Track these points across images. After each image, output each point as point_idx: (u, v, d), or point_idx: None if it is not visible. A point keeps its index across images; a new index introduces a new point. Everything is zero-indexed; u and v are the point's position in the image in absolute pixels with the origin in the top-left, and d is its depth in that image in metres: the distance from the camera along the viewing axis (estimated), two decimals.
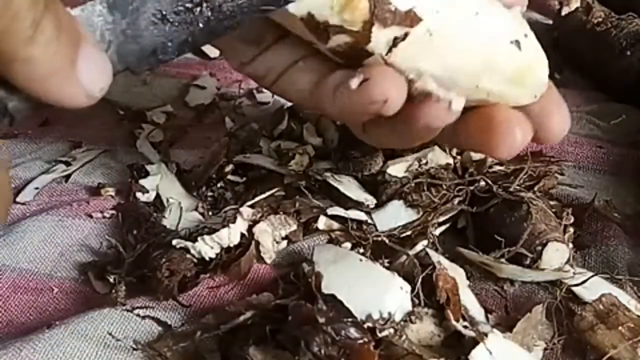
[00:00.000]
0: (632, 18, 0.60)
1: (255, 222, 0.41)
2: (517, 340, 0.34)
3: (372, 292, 0.33)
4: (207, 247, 0.38)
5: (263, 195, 0.43)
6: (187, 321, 0.36)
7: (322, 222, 0.42)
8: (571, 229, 0.41)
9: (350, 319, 0.30)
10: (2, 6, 0.22)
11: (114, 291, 0.37)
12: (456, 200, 0.42)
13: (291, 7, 0.30)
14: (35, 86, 0.24)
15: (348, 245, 0.41)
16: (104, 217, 0.44)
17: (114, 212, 0.44)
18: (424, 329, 0.34)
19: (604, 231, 0.42)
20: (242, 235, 0.40)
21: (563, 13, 0.65)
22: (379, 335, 0.32)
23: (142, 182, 0.45)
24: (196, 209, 0.44)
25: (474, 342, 0.32)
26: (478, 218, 0.42)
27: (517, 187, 0.41)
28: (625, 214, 0.44)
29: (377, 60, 0.31)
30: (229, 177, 0.46)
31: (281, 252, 0.41)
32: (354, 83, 0.31)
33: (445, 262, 0.37)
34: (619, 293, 0.36)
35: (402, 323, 0.33)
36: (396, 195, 0.42)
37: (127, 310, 0.35)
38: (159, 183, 0.45)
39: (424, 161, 0.43)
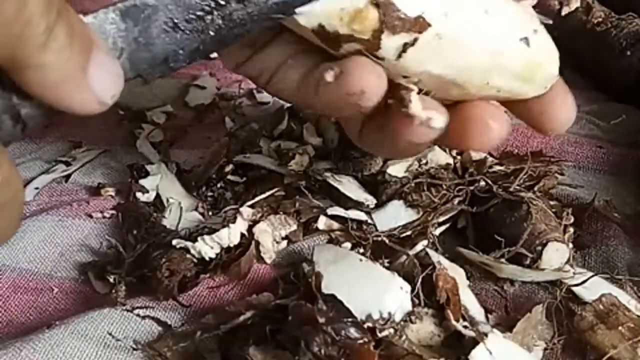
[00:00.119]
0: (632, 18, 0.60)
1: (255, 222, 0.41)
2: (517, 340, 0.34)
3: (372, 292, 0.33)
4: (207, 247, 0.38)
5: (263, 195, 0.43)
6: (187, 321, 0.36)
7: (322, 222, 0.42)
8: (571, 229, 0.41)
9: (350, 319, 0.30)
10: (15, 12, 0.22)
11: (114, 291, 0.37)
12: (456, 200, 0.42)
13: (302, 19, 0.30)
14: (48, 93, 0.24)
15: (348, 245, 0.41)
16: (104, 217, 0.44)
17: (114, 212, 0.44)
18: (424, 329, 0.34)
19: (604, 231, 0.42)
20: (242, 235, 0.40)
21: (563, 13, 0.65)
22: (379, 335, 0.32)
23: (142, 182, 0.45)
24: (196, 209, 0.44)
25: (474, 342, 0.32)
26: (478, 218, 0.42)
27: (517, 187, 0.41)
28: (625, 214, 0.44)
29: (388, 64, 0.32)
30: (229, 177, 0.46)
31: (281, 252, 0.41)
32: (330, 76, 0.31)
33: (445, 262, 0.37)
34: (619, 293, 0.36)
35: (402, 323, 0.33)
36: (396, 195, 0.42)
37: (127, 310, 0.35)
38: (159, 183, 0.45)
39: (424, 161, 0.43)
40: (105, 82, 0.25)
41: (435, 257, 0.37)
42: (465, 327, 0.33)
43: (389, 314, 0.33)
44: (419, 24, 0.30)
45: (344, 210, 0.42)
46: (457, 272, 0.37)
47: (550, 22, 0.67)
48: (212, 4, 0.27)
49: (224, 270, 0.39)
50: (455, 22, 0.31)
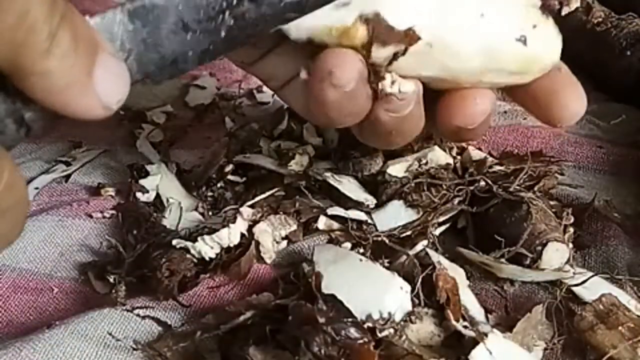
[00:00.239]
0: (632, 18, 0.60)
1: (255, 222, 0.41)
2: (517, 340, 0.34)
3: (372, 292, 0.33)
4: (207, 247, 0.38)
5: (263, 195, 0.43)
6: (187, 321, 0.36)
7: (322, 222, 0.42)
8: (571, 229, 0.41)
9: (350, 319, 0.30)
10: (17, 19, 0.22)
11: (114, 291, 0.37)
12: (456, 200, 0.42)
13: (292, 33, 0.30)
14: (52, 98, 0.24)
15: (348, 245, 0.41)
16: (104, 217, 0.44)
17: (114, 212, 0.44)
18: (424, 329, 0.34)
19: (604, 231, 0.42)
20: (242, 235, 0.40)
21: (563, 13, 0.65)
22: (379, 335, 0.32)
23: (142, 182, 0.45)
24: (196, 209, 0.44)
25: (474, 342, 0.32)
26: (478, 218, 0.42)
27: (517, 187, 0.41)
28: (625, 214, 0.44)
29: (379, 69, 0.32)
30: (229, 177, 0.46)
31: (281, 252, 0.41)
32: (303, 73, 0.32)
33: (445, 262, 0.37)
34: (619, 293, 0.36)
35: (402, 323, 0.33)
36: (396, 195, 0.42)
37: (127, 310, 0.35)
38: (159, 183, 0.45)
39: (424, 161, 0.43)
40: (111, 86, 0.25)
41: (435, 257, 0.37)
42: (465, 327, 0.33)
43: (389, 314, 0.33)
44: (409, 37, 0.31)
45: (344, 210, 0.42)
46: (457, 272, 0.37)
47: None
48: (224, 4, 0.27)
49: (224, 270, 0.39)
50: (447, 29, 0.31)
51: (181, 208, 0.43)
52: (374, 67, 0.32)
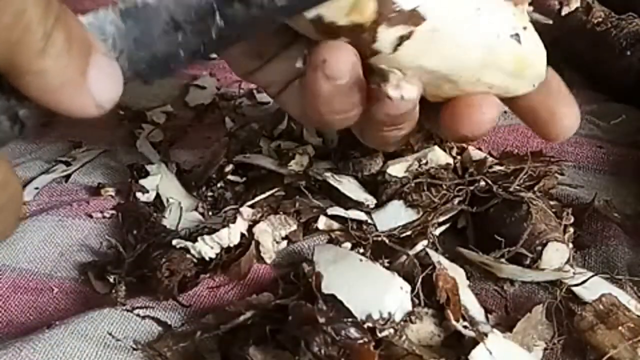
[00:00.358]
0: (632, 18, 0.60)
1: (255, 222, 0.41)
2: (517, 340, 0.34)
3: (372, 292, 0.33)
4: (207, 247, 0.39)
5: (263, 195, 0.43)
6: (187, 321, 0.36)
7: (322, 222, 0.42)
8: (571, 229, 0.41)
9: (350, 319, 0.30)
10: (13, 19, 0.22)
11: (114, 291, 0.37)
12: (456, 200, 0.42)
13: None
14: (46, 97, 0.24)
15: (348, 245, 0.41)
16: (104, 217, 0.44)
17: (114, 212, 0.44)
18: (424, 329, 0.34)
19: (604, 231, 0.42)
20: (242, 235, 0.40)
21: (563, 13, 0.65)
22: (379, 335, 0.32)
23: (142, 182, 0.45)
24: (196, 209, 0.44)
25: (474, 342, 0.32)
26: (478, 218, 0.42)
27: (517, 187, 0.41)
28: (625, 214, 0.44)
29: (383, 58, 0.32)
30: (229, 177, 0.46)
31: (281, 252, 0.41)
32: (299, 63, 0.32)
33: (445, 262, 0.37)
34: (619, 293, 0.36)
35: (402, 323, 0.33)
36: (396, 195, 0.42)
37: (127, 310, 0.35)
38: (159, 183, 0.45)
39: (424, 161, 0.43)
40: (105, 86, 0.25)
41: (435, 257, 0.37)
42: (465, 327, 0.33)
43: (389, 314, 0.33)
44: (415, 17, 0.31)
45: (344, 210, 0.42)
46: (457, 272, 0.37)
47: (550, 22, 0.67)
48: (215, 5, 0.27)
49: (224, 270, 0.39)
50: (449, 16, 0.32)
51: (181, 208, 0.43)
52: (377, 67, 0.32)
